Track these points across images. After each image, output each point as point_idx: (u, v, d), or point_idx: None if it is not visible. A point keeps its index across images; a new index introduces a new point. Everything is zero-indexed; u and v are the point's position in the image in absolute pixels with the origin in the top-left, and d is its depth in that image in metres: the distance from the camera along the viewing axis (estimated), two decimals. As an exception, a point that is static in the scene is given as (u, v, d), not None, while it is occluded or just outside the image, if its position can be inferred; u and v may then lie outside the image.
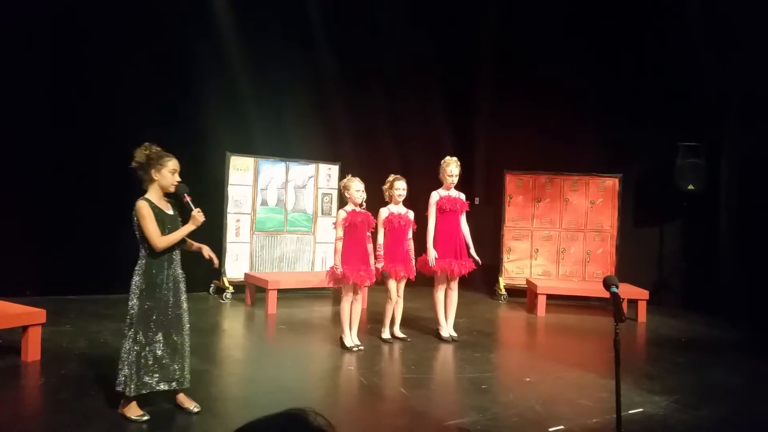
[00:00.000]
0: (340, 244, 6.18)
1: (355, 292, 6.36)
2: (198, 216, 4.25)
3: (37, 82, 7.74)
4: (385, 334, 6.72)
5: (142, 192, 4.23)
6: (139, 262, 4.21)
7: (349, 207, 6.23)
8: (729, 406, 4.99)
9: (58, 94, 7.89)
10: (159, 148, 4.24)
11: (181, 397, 4.42)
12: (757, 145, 8.38)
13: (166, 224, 4.20)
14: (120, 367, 4.20)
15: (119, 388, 4.19)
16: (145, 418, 4.20)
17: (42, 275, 7.80)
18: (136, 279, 4.19)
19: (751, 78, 8.47)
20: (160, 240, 4.14)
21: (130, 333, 4.16)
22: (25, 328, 5.37)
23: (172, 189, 4.27)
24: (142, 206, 4.13)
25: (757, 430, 4.24)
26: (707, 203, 9.12)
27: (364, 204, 6.27)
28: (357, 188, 6.21)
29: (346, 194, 6.29)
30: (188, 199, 4.30)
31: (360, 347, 6.28)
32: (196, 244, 4.51)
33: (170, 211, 4.29)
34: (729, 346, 7.25)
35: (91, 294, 7.97)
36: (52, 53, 7.85)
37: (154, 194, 4.23)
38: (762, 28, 8.21)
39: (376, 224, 6.46)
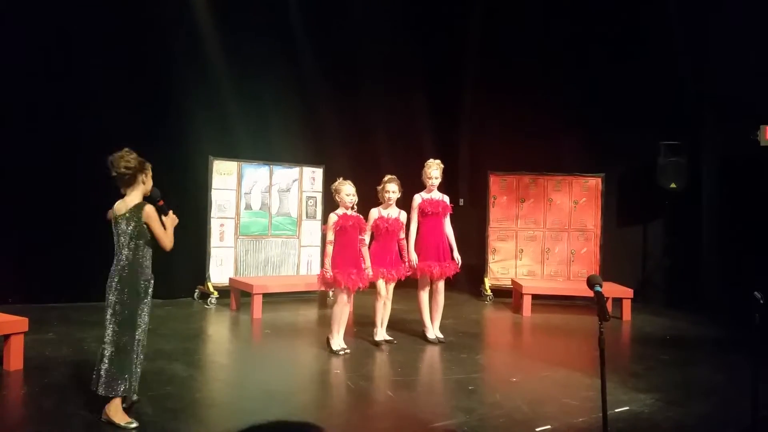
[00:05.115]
0: (330, 248, 6.12)
1: (348, 296, 6.30)
2: (174, 218, 4.36)
3: (16, 87, 7.65)
4: (378, 336, 6.69)
5: (120, 196, 4.20)
6: (121, 264, 4.16)
7: (340, 210, 6.19)
8: (713, 403, 5.03)
9: (36, 100, 7.81)
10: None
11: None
12: (735, 143, 8.46)
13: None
14: (103, 368, 4.10)
15: (102, 390, 4.09)
16: (134, 425, 4.11)
17: (24, 283, 7.71)
18: (120, 282, 4.14)
19: (728, 78, 8.56)
20: (171, 240, 4.24)
21: (114, 336, 4.11)
22: (7, 336, 5.30)
23: (149, 193, 4.32)
24: (152, 209, 4.18)
25: (741, 426, 4.26)
26: (689, 201, 9.21)
27: (355, 207, 6.24)
28: (348, 192, 6.17)
29: (336, 197, 6.24)
30: (162, 202, 4.35)
31: (346, 350, 6.26)
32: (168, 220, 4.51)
33: None
34: (712, 343, 7.32)
35: (74, 301, 7.89)
36: (32, 57, 7.77)
37: (137, 199, 4.22)
38: (738, 31, 8.30)
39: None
